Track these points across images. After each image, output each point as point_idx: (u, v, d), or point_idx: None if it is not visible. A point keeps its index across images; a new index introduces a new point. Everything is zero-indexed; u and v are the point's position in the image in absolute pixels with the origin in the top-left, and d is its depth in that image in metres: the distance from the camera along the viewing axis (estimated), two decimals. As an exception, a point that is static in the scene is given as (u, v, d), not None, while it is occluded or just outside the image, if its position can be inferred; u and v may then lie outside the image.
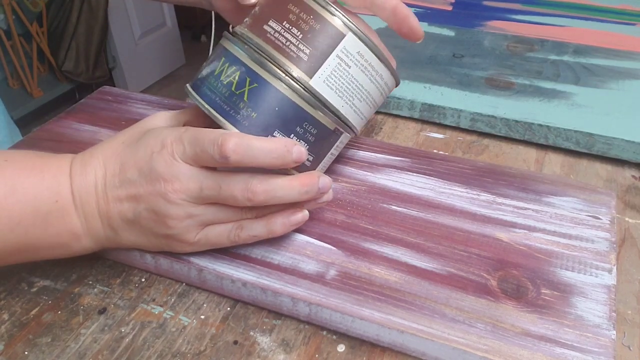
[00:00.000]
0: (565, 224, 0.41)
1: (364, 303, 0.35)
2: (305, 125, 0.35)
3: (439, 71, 0.62)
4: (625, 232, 0.44)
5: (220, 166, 0.34)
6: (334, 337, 0.36)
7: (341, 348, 0.36)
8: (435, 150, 0.53)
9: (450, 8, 0.79)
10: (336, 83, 0.35)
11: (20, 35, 1.87)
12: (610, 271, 0.37)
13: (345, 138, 0.38)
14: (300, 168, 0.36)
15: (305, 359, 0.35)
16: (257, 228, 0.36)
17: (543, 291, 0.36)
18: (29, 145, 0.50)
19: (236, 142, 0.32)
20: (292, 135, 0.35)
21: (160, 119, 0.39)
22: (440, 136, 0.55)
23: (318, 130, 0.36)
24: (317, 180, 0.35)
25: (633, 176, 0.50)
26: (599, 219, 0.42)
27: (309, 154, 0.36)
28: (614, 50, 0.66)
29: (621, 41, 0.68)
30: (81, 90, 2.08)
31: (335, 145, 0.38)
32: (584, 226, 0.41)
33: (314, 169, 0.37)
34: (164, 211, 0.35)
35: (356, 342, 0.36)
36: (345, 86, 0.36)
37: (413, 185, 0.45)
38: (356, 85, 0.36)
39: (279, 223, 0.36)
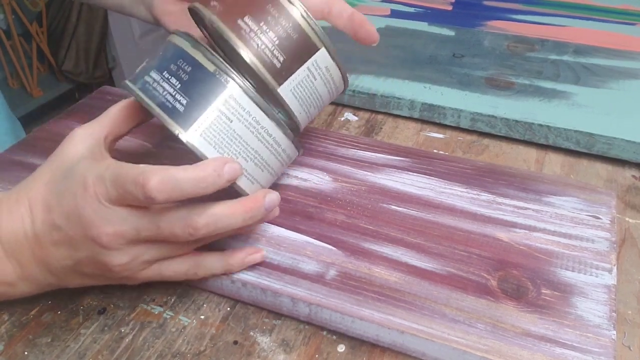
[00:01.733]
0: (565, 223, 0.41)
1: (364, 303, 0.35)
2: (182, 63, 0.33)
3: (439, 71, 0.62)
4: (626, 232, 0.44)
5: (147, 205, 0.32)
6: (334, 337, 0.36)
7: (341, 348, 0.36)
8: (435, 150, 0.53)
9: (450, 8, 0.79)
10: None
11: (20, 35, 1.87)
12: (610, 271, 0.37)
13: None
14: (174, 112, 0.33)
15: (305, 359, 0.35)
16: (215, 266, 0.35)
17: (543, 291, 0.36)
18: (29, 145, 0.50)
19: (159, 179, 0.29)
20: (165, 72, 0.33)
21: (78, 139, 0.35)
22: (440, 136, 0.55)
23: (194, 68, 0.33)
24: (262, 201, 0.33)
25: (633, 176, 0.50)
26: (599, 218, 0.42)
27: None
28: (614, 50, 0.66)
29: (621, 41, 0.68)
30: (81, 90, 2.08)
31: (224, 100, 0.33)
32: (584, 226, 0.41)
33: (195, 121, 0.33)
34: (104, 258, 0.32)
35: (356, 342, 0.36)
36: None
37: (413, 185, 0.45)
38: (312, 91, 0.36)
39: (237, 264, 0.36)
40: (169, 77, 0.33)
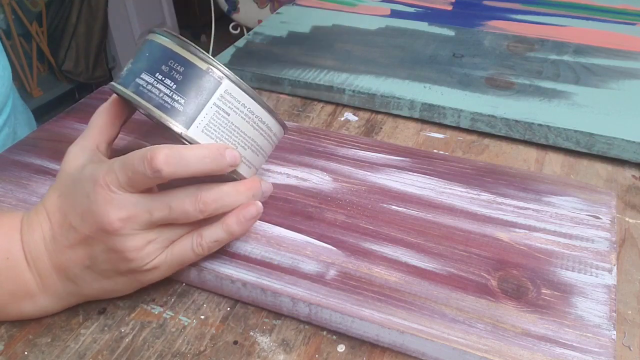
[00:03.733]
0: (565, 223, 0.41)
1: (364, 303, 0.35)
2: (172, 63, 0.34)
3: (439, 71, 0.62)
4: (626, 232, 0.44)
5: (155, 183, 0.33)
6: (334, 337, 0.36)
7: (341, 348, 0.36)
8: (435, 150, 0.53)
9: (450, 8, 0.79)
10: None
11: (20, 35, 1.87)
12: (610, 271, 0.37)
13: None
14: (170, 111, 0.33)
15: (305, 359, 0.35)
16: (216, 232, 0.35)
17: (543, 291, 0.36)
18: (29, 145, 0.50)
19: (166, 153, 0.31)
20: (157, 73, 0.34)
21: (76, 154, 0.37)
22: (440, 136, 0.55)
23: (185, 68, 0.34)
24: (259, 184, 0.36)
25: (633, 176, 0.50)
26: (599, 218, 0.42)
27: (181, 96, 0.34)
28: (614, 50, 0.66)
29: (621, 41, 0.68)
30: (81, 90, 2.08)
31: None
32: (584, 226, 0.41)
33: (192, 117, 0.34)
34: (121, 246, 0.33)
35: (356, 342, 0.36)
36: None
37: (413, 185, 0.45)
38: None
39: (234, 222, 0.35)
40: (163, 78, 0.34)
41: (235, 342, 0.36)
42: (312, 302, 0.35)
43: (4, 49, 0.61)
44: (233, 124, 0.34)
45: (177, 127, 0.33)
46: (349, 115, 0.58)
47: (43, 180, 0.46)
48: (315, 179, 0.45)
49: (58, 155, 0.48)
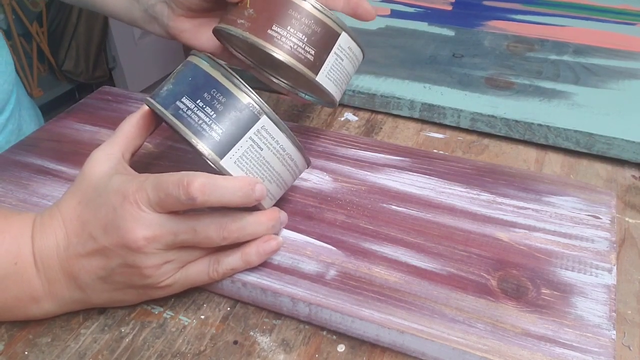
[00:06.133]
0: (565, 223, 0.41)
1: (364, 303, 0.35)
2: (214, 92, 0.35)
3: (439, 71, 0.62)
4: (625, 232, 0.44)
5: (185, 208, 0.33)
6: (334, 337, 0.36)
7: (341, 348, 0.36)
8: (435, 150, 0.53)
9: (450, 8, 0.79)
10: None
11: (20, 35, 1.87)
12: (610, 271, 0.37)
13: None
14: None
15: (305, 359, 0.35)
16: (234, 261, 0.36)
17: (543, 291, 0.36)
18: (30, 145, 0.50)
19: (202, 182, 0.32)
20: (199, 100, 0.35)
21: (100, 161, 0.36)
22: (440, 136, 0.55)
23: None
24: (279, 214, 0.37)
25: (633, 176, 0.50)
26: (599, 218, 0.42)
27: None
28: (614, 50, 0.66)
29: (621, 41, 0.68)
30: (81, 90, 2.08)
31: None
32: (584, 226, 0.41)
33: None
34: (140, 263, 0.34)
35: (356, 342, 0.36)
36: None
37: (413, 185, 0.45)
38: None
39: (254, 253, 0.36)
40: (204, 106, 0.35)
41: (235, 342, 0.36)
42: (312, 302, 0.35)
43: (7, 47, 0.60)
44: (264, 159, 0.35)
45: (211, 155, 0.34)
46: (348, 115, 0.58)
47: (43, 180, 0.46)
48: (315, 179, 0.45)
49: (58, 155, 0.49)
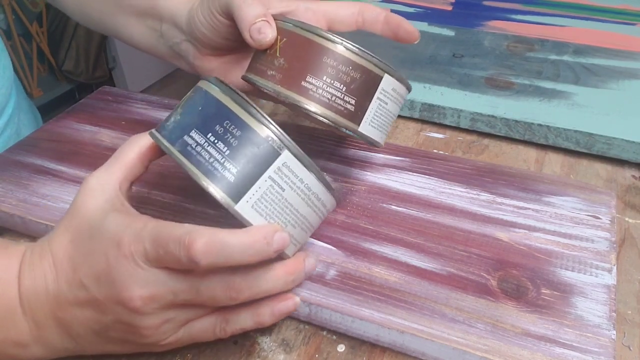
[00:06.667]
0: (565, 223, 0.41)
1: (364, 303, 0.35)
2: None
3: (439, 71, 0.62)
4: (625, 232, 0.44)
5: (188, 269, 0.29)
6: (334, 337, 0.36)
7: (341, 348, 0.36)
8: (435, 150, 0.53)
9: (450, 8, 0.79)
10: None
11: (20, 35, 1.87)
12: (610, 271, 0.37)
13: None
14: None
15: (305, 359, 0.35)
16: (244, 321, 0.33)
17: (543, 291, 0.36)
18: (29, 145, 0.50)
19: (206, 241, 0.28)
20: (210, 134, 0.31)
21: (96, 193, 0.32)
22: (440, 136, 0.55)
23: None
24: (302, 265, 0.33)
25: (633, 176, 0.50)
26: (599, 218, 0.42)
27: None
28: (614, 50, 0.66)
29: (621, 41, 0.68)
30: (81, 90, 2.07)
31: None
32: (584, 226, 0.41)
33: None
34: (137, 323, 0.30)
35: (356, 342, 0.36)
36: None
37: (413, 185, 0.45)
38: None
39: (268, 314, 0.33)
40: (216, 140, 0.30)
41: (235, 342, 0.36)
42: (312, 302, 0.35)
43: (6, 49, 0.60)
44: (287, 201, 0.31)
45: (224, 199, 0.30)
46: (349, 115, 0.58)
47: (43, 180, 0.46)
48: (315, 179, 0.45)
49: (58, 155, 0.49)
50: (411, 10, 0.77)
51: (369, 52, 0.35)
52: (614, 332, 0.34)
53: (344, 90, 0.35)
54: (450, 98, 0.57)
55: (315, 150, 0.49)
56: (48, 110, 1.94)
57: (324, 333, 0.37)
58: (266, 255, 0.29)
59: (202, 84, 0.33)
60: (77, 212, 0.32)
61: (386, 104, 0.36)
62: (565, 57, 0.64)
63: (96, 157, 0.48)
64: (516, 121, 0.53)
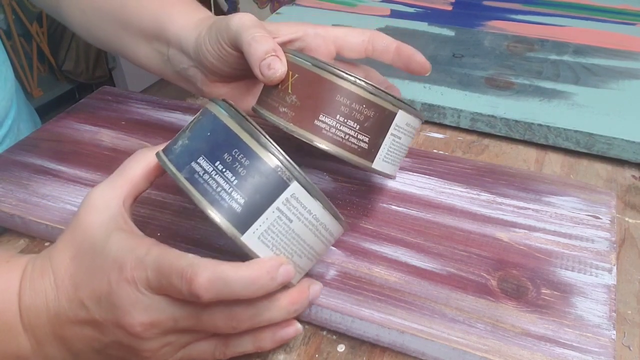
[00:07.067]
0: (565, 223, 0.41)
1: (364, 303, 0.35)
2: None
3: (439, 71, 0.62)
4: (625, 232, 0.44)
5: (190, 300, 0.29)
6: (334, 337, 0.36)
7: (341, 348, 0.36)
8: (435, 150, 0.53)
9: (450, 8, 0.79)
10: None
11: (20, 35, 1.87)
12: (610, 271, 0.37)
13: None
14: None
15: (305, 359, 0.35)
16: (244, 345, 0.32)
17: (543, 291, 0.36)
18: (29, 145, 0.50)
19: (208, 276, 0.27)
20: (218, 162, 0.30)
21: (99, 209, 0.32)
22: (440, 136, 0.55)
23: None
24: (307, 293, 0.32)
25: (633, 176, 0.50)
26: (599, 218, 0.42)
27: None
28: (614, 50, 0.66)
29: (621, 41, 0.68)
30: (81, 90, 2.08)
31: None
32: (584, 226, 0.41)
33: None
34: (136, 346, 0.30)
35: (356, 342, 0.36)
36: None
37: (413, 185, 0.45)
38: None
39: (269, 339, 0.32)
40: (224, 169, 0.30)
41: (235, 342, 0.36)
42: (312, 302, 0.35)
43: (8, 60, 0.58)
44: (294, 232, 0.30)
45: (230, 230, 0.29)
46: (349, 115, 0.58)
47: (43, 180, 0.46)
48: (315, 179, 0.45)
49: (58, 155, 0.49)
50: (411, 10, 0.77)
51: (382, 89, 0.34)
52: (614, 332, 0.34)
53: (357, 128, 0.34)
54: (450, 98, 0.57)
55: (315, 150, 0.49)
56: (48, 110, 1.94)
57: (324, 333, 0.37)
58: (270, 290, 0.29)
59: (211, 107, 0.32)
60: (79, 227, 0.32)
61: (400, 138, 0.36)
62: (565, 57, 0.64)
63: (96, 157, 0.48)
64: (516, 121, 0.53)
